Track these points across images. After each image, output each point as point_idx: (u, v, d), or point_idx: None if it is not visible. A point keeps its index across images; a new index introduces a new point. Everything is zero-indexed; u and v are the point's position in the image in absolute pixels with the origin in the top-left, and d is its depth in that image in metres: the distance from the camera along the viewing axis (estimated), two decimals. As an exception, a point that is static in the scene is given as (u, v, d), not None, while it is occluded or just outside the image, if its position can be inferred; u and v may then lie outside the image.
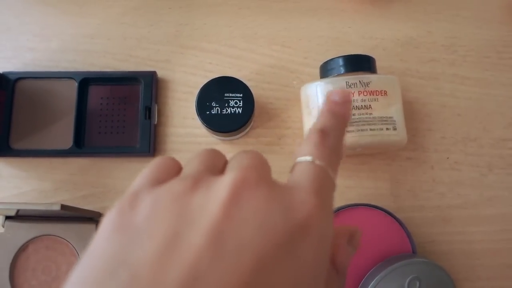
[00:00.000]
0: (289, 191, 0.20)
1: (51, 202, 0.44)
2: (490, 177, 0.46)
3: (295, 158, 0.23)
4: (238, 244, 0.17)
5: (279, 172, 0.46)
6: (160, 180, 0.21)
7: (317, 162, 0.22)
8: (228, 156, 0.23)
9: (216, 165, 0.22)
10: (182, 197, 0.19)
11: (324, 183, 0.21)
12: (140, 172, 0.22)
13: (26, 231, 0.42)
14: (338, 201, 0.44)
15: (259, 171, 0.20)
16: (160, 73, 0.48)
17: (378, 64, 0.44)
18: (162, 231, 0.17)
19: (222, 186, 0.19)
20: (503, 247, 0.44)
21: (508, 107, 0.47)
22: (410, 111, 0.47)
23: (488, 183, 0.45)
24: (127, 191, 0.20)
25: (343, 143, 0.25)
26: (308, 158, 0.22)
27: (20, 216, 0.42)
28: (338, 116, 0.25)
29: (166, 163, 0.22)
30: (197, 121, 0.44)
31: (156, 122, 0.46)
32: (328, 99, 0.26)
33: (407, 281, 0.38)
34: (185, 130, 0.46)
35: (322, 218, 0.20)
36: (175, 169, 0.22)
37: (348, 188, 0.45)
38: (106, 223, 0.19)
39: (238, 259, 0.17)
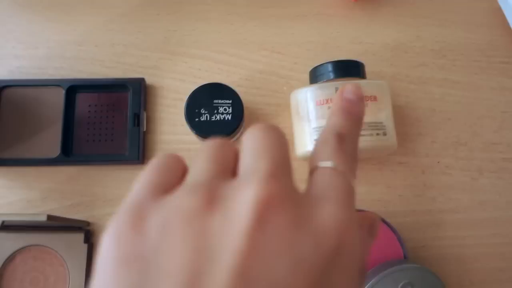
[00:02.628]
0: (316, 206, 0.18)
1: (38, 212, 0.44)
2: (481, 181, 0.46)
3: (313, 162, 0.21)
4: (269, 285, 0.15)
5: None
6: (163, 186, 0.19)
7: (339, 168, 0.20)
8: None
9: (227, 163, 0.20)
10: (196, 217, 0.16)
11: (348, 192, 0.20)
12: (137, 177, 0.19)
13: (13, 241, 0.41)
14: (329, 207, 0.44)
15: (281, 178, 0.18)
16: (148, 80, 0.47)
17: (368, 69, 0.44)
18: (179, 268, 0.15)
19: (243, 208, 0.16)
20: (495, 251, 0.44)
21: (497, 111, 0.47)
22: (400, 115, 0.47)
23: (479, 187, 0.45)
24: (125, 205, 0.18)
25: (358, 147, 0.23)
26: (329, 163, 0.20)
27: (6, 227, 0.42)
28: (354, 117, 0.24)
29: (168, 163, 0.20)
30: (187, 128, 0.44)
31: (145, 129, 0.45)
32: (341, 96, 0.24)
33: (399, 287, 0.37)
34: (174, 137, 0.46)
35: (353, 234, 0.18)
36: (180, 170, 0.20)
37: (339, 194, 0.45)
38: (108, 250, 0.16)
39: None
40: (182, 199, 0.17)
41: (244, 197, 0.17)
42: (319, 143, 0.22)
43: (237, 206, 0.16)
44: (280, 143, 0.20)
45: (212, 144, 0.20)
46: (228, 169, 0.19)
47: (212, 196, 0.17)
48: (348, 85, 0.25)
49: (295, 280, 0.15)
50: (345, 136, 0.22)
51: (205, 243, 0.16)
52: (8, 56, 0.48)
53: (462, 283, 0.43)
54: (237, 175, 0.19)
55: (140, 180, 0.19)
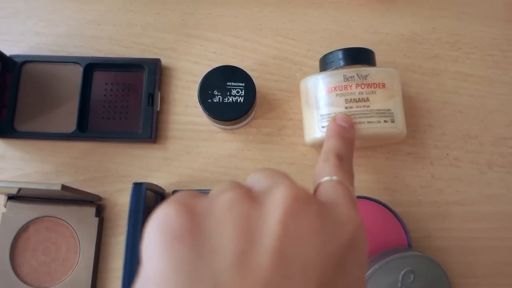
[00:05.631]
0: (333, 207, 0.21)
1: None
2: (489, 175, 0.46)
3: (318, 178, 0.25)
4: (302, 264, 0.18)
5: (279, 163, 0.46)
6: (197, 195, 0.21)
7: (341, 180, 0.24)
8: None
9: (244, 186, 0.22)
10: (238, 206, 0.19)
11: (352, 198, 0.23)
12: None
13: (27, 211, 0.43)
14: (336, 193, 0.45)
15: (303, 188, 0.21)
16: (164, 61, 0.48)
17: (382, 59, 0.44)
18: (228, 247, 0.17)
19: (276, 202, 0.19)
20: (500, 245, 0.44)
21: (510, 106, 0.47)
22: (412, 106, 0.47)
23: (487, 181, 0.45)
24: (171, 199, 0.20)
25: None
26: (333, 178, 0.25)
27: (22, 197, 0.43)
28: (348, 140, 0.29)
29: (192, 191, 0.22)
30: (199, 110, 0.45)
31: (158, 109, 0.46)
32: (335, 123, 0.31)
33: (401, 274, 0.38)
34: (187, 118, 0.47)
35: (362, 230, 0.21)
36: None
37: (347, 181, 0.45)
38: (160, 227, 0.18)
39: (304, 279, 0.17)
40: (221, 193, 0.20)
41: (277, 195, 0.19)
42: (321, 162, 0.27)
43: (272, 201, 0.19)
44: (284, 172, 0.23)
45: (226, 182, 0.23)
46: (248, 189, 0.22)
47: (246, 192, 0.20)
48: (340, 114, 0.33)
49: (322, 260, 0.18)
50: (343, 156, 0.27)
51: (248, 228, 0.18)
52: (29, 32, 0.49)
53: (464, 275, 0.43)
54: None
55: (172, 196, 0.21)
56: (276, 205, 0.19)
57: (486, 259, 0.44)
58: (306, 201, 0.20)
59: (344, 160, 0.27)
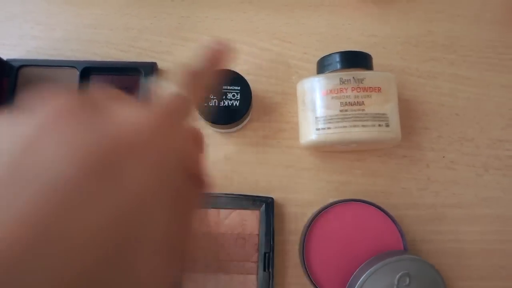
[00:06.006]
0: (121, 108, 0.19)
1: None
2: (485, 178, 0.46)
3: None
4: (38, 172, 0.15)
5: (275, 165, 0.46)
6: None
7: (178, 90, 0.22)
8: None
9: None
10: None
11: (175, 103, 0.21)
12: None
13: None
14: (332, 196, 0.45)
15: (77, 97, 0.18)
16: (160, 65, 0.48)
17: (378, 62, 0.44)
18: None
19: (36, 114, 0.17)
20: (496, 247, 0.44)
21: (506, 108, 0.47)
22: (408, 109, 0.47)
23: (484, 183, 0.45)
24: None
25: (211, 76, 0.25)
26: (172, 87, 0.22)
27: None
28: (215, 62, 0.25)
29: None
30: (195, 113, 0.45)
31: (155, 113, 0.46)
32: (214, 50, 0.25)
33: (397, 277, 0.38)
34: (183, 121, 0.47)
35: (159, 137, 0.18)
36: None
37: (343, 184, 0.45)
38: None
39: (31, 187, 0.15)
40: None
41: (43, 107, 0.17)
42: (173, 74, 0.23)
43: (32, 116, 0.17)
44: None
45: None
46: None
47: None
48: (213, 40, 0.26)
49: (68, 168, 0.15)
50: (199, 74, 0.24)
51: None
52: (27, 36, 0.49)
53: (460, 278, 0.43)
54: None
55: None
56: (33, 117, 0.17)
57: (482, 262, 0.44)
58: (77, 106, 0.17)
59: (199, 76, 0.24)
